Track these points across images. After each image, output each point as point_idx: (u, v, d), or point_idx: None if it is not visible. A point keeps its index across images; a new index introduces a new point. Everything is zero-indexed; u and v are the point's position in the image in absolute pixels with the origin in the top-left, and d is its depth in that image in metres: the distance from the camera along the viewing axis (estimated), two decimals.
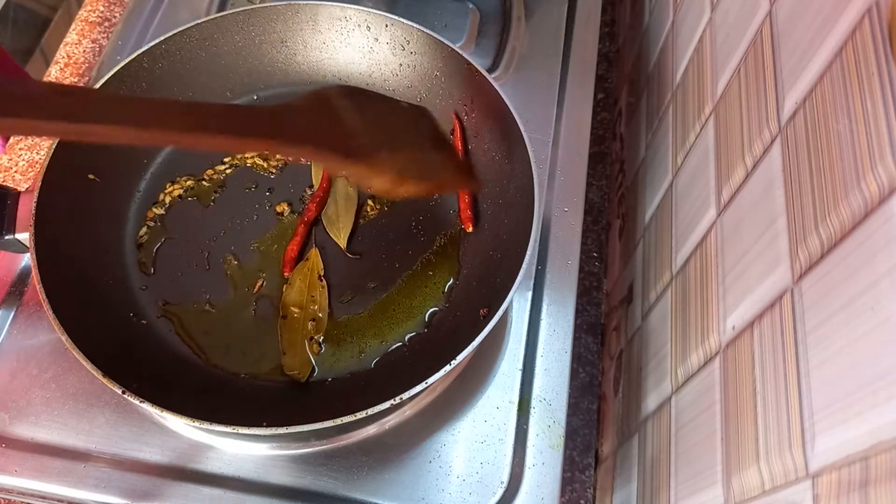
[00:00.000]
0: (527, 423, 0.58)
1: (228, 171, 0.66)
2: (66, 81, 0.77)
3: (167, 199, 0.64)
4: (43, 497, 0.54)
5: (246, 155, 0.67)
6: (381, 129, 0.50)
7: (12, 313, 0.60)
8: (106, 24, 0.83)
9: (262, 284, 0.61)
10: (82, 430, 0.55)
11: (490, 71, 0.75)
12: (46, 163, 0.55)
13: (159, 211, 0.63)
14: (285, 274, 0.61)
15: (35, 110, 0.34)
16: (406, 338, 0.59)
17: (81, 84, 0.77)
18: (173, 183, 0.65)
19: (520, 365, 0.60)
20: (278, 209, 0.64)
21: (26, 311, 0.60)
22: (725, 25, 0.54)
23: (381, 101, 0.56)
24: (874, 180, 0.31)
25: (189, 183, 0.65)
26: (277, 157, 0.67)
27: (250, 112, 0.47)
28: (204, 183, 0.65)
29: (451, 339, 0.54)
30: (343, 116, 0.48)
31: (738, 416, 0.41)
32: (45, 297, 0.49)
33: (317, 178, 0.66)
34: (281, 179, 0.66)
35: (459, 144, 0.66)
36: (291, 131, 0.44)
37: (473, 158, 0.66)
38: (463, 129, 0.66)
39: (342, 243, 0.63)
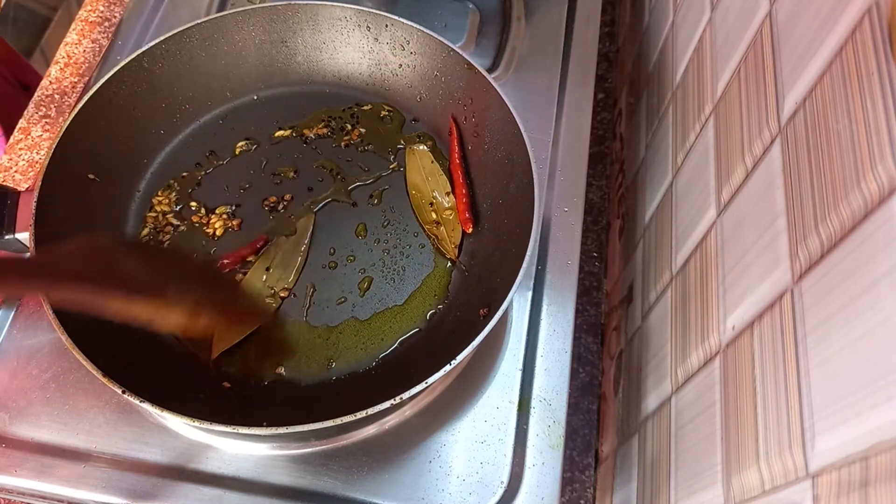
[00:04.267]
0: (527, 423, 0.58)
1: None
2: (66, 81, 0.77)
3: (167, 200, 0.64)
4: (43, 497, 0.54)
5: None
6: (161, 269, 0.51)
7: (12, 313, 0.60)
8: (106, 24, 0.83)
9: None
10: (82, 430, 0.55)
11: (490, 71, 0.75)
12: (46, 163, 0.55)
13: (159, 211, 0.63)
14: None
15: None
16: (406, 338, 0.59)
17: (82, 84, 0.77)
18: (171, 186, 0.65)
19: (520, 365, 0.60)
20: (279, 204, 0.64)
21: (26, 311, 0.60)
22: (725, 25, 0.54)
23: (145, 247, 0.58)
24: (874, 180, 0.31)
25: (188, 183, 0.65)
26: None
27: (26, 260, 0.45)
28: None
29: (451, 339, 0.54)
30: (119, 260, 0.48)
31: (738, 416, 0.41)
32: (45, 297, 0.49)
33: None
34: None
35: (457, 147, 0.66)
36: (74, 274, 0.43)
37: (473, 158, 0.66)
38: (460, 133, 0.66)
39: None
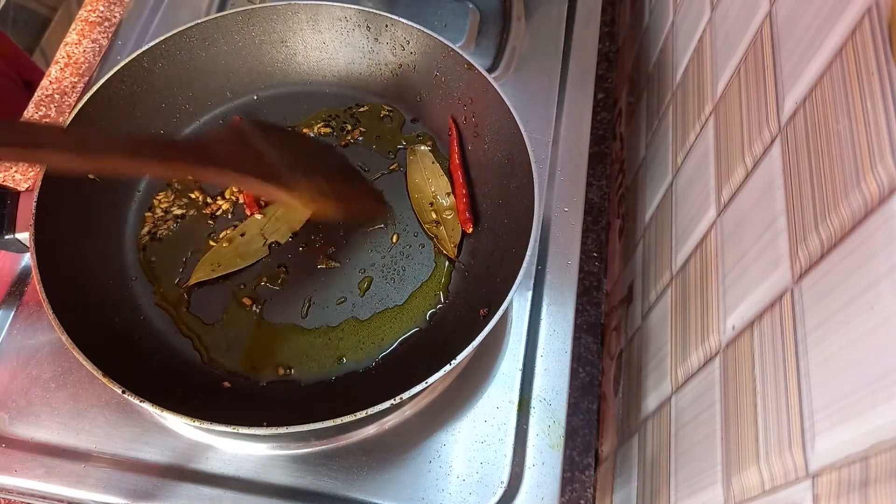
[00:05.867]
0: (527, 423, 0.58)
1: None
2: (66, 81, 0.77)
3: (167, 200, 0.64)
4: (43, 497, 0.54)
5: None
6: (295, 157, 0.55)
7: (12, 313, 0.60)
8: (106, 24, 0.83)
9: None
10: (82, 430, 0.55)
11: (490, 71, 0.75)
12: None
13: (159, 211, 0.63)
14: (250, 213, 0.63)
15: None
16: (406, 338, 0.59)
17: (82, 84, 0.77)
18: (171, 186, 0.65)
19: (520, 365, 0.60)
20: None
21: (26, 311, 0.60)
22: (725, 25, 0.54)
23: (288, 133, 0.62)
24: (874, 180, 0.31)
25: (187, 183, 0.65)
26: None
27: (176, 143, 0.50)
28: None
29: (451, 339, 0.54)
30: (258, 146, 0.52)
31: (738, 416, 0.41)
32: (45, 297, 0.49)
33: None
34: None
35: (456, 147, 0.66)
36: (215, 159, 0.48)
37: (473, 158, 0.66)
38: (459, 133, 0.66)
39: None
